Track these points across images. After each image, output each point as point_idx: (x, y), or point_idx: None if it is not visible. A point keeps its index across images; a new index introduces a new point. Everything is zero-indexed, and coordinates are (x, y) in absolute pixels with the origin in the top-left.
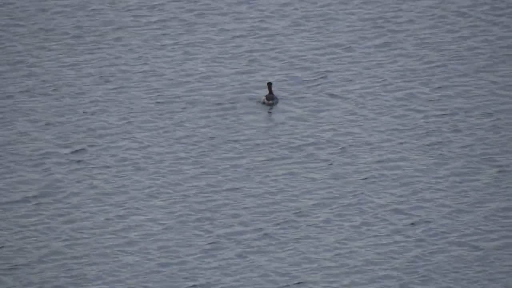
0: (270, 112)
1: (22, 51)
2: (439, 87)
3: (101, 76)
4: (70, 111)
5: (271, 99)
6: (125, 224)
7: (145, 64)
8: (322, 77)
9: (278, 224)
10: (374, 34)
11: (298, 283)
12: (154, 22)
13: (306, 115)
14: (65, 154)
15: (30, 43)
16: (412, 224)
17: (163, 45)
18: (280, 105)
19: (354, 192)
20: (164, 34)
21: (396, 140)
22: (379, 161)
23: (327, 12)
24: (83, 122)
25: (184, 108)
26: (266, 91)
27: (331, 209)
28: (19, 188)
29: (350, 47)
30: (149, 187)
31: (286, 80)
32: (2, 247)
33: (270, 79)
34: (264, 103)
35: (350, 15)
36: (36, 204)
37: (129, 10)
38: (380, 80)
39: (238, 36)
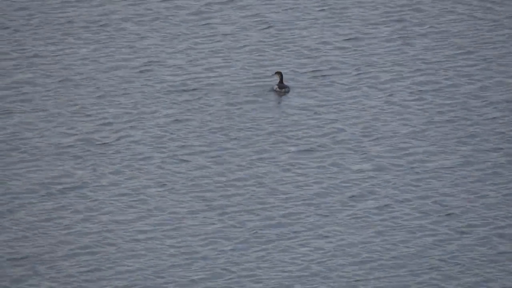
0: (280, 102)
1: (53, 42)
2: (474, 78)
3: (134, 67)
4: (102, 102)
5: (283, 88)
6: (142, 217)
7: (157, 55)
8: (350, 66)
9: (313, 216)
10: (404, 24)
11: (324, 277)
12: (169, 15)
13: (336, 104)
14: (84, 146)
15: (62, 32)
16: (446, 216)
17: (177, 36)
18: (299, 97)
19: (387, 183)
20: (177, 25)
21: (429, 131)
22: (411, 153)
23: (339, 3)
24: (96, 114)
25: (200, 98)
26: (276, 80)
27: (364, 200)
28: (38, 182)
29: (381, 36)
30: (168, 181)
31: (298, 71)
32: (18, 239)
33: (282, 69)
34: (276, 90)
35: (363, 7)
36: (52, 197)
37: (143, 2)
38: (412, 69)
39: (246, 28)
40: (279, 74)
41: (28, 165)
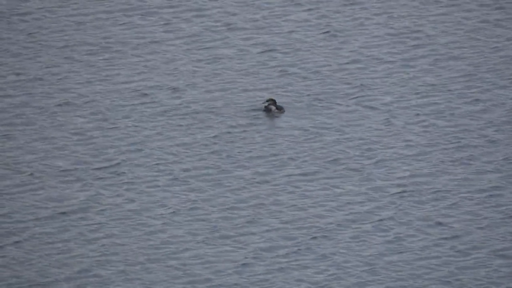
0: (275, 119)
1: (53, 64)
2: (475, 100)
3: (135, 90)
4: (103, 125)
5: (281, 108)
6: (144, 240)
7: (157, 78)
8: (351, 88)
9: (315, 238)
10: (405, 46)
11: None
12: (168, 38)
13: (338, 126)
14: (85, 169)
15: (62, 55)
16: (448, 237)
17: (177, 59)
18: (300, 119)
19: (389, 205)
20: (177, 48)
21: (431, 153)
22: (413, 175)
23: (339, 26)
24: (97, 137)
25: (201, 121)
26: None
27: (366, 222)
28: (39, 205)
29: (382, 58)
30: (169, 203)
31: (299, 94)
32: (20, 262)
33: (283, 92)
34: (272, 110)
35: (364, 29)
36: (72, 218)
37: (160, 24)
38: (413, 91)
39: (246, 50)
40: (272, 101)
41: (28, 188)
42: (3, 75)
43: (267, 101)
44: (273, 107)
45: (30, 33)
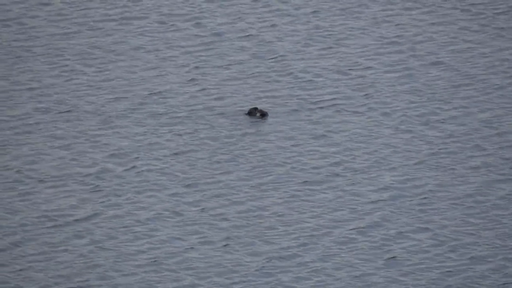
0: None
1: (59, 71)
2: (457, 106)
3: (125, 96)
4: (107, 131)
5: (265, 114)
6: (152, 248)
7: (165, 84)
8: (353, 94)
9: (327, 244)
10: (399, 55)
11: None
12: (176, 44)
13: (324, 133)
14: (93, 176)
15: (60, 66)
16: (438, 243)
17: (184, 65)
18: (308, 126)
19: (375, 211)
20: (184, 54)
21: (437, 161)
22: (400, 181)
23: (344, 33)
24: (105, 144)
25: (209, 127)
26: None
27: (351, 229)
28: (46, 212)
29: (373, 67)
30: (177, 210)
31: (306, 101)
32: (26, 269)
33: (291, 97)
34: (257, 116)
35: (370, 36)
36: (62, 227)
37: (151, 31)
38: (414, 101)
39: (253, 57)
40: (256, 109)
41: (36, 196)
42: (10, 81)
43: (255, 112)
44: (257, 113)
45: (33, 40)
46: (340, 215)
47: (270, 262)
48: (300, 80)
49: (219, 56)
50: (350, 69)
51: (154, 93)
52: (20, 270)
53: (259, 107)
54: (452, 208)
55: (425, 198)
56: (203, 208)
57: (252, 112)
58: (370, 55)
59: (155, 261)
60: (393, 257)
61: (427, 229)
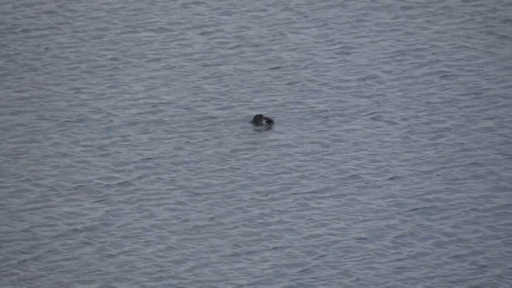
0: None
1: (66, 79)
2: (463, 115)
3: (129, 106)
4: (117, 140)
5: (271, 121)
6: (161, 256)
7: (168, 94)
8: (365, 103)
9: (335, 253)
10: (403, 65)
11: None
12: (178, 54)
13: (332, 142)
14: (116, 183)
15: (65, 75)
16: (466, 253)
17: (186, 75)
18: (314, 135)
19: (382, 220)
20: (187, 63)
21: (443, 170)
22: (407, 190)
23: (351, 42)
24: (111, 153)
25: (214, 137)
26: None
27: (359, 238)
28: (54, 221)
29: (379, 76)
30: (185, 219)
31: (312, 110)
32: (35, 278)
33: (296, 107)
34: (263, 123)
35: (377, 44)
36: (89, 234)
37: (154, 41)
38: (428, 107)
39: (255, 66)
40: (261, 117)
41: (44, 204)
42: (18, 90)
43: (261, 119)
44: (264, 120)
45: (40, 48)
46: (347, 223)
47: (278, 271)
48: (307, 88)
49: (226, 65)
50: (357, 78)
51: (161, 102)
52: (26, 278)
53: (264, 114)
54: (459, 217)
55: (432, 207)
56: (211, 217)
57: (257, 120)
58: (378, 64)
59: (162, 270)
60: (401, 266)
61: (434, 237)
